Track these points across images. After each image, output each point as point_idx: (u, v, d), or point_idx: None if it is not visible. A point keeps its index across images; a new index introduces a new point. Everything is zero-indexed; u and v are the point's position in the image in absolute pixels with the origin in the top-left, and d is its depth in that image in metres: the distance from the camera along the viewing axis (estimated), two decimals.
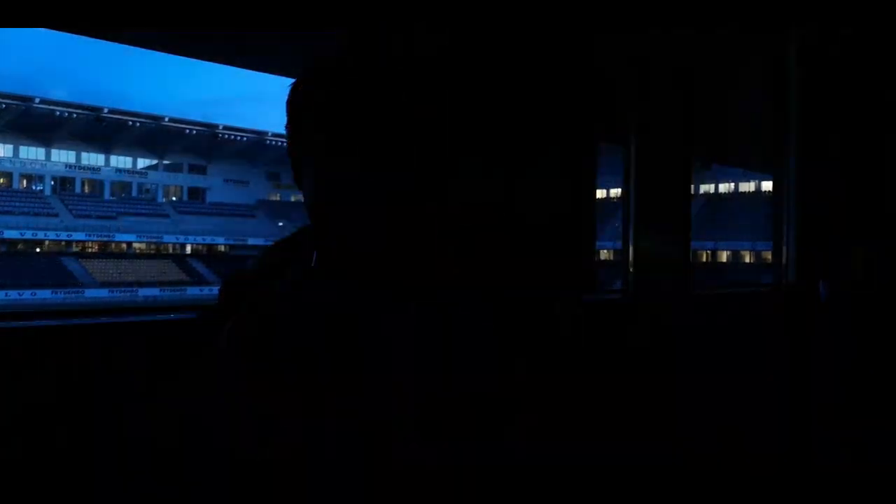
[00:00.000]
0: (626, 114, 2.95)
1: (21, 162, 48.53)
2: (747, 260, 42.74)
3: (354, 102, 0.94)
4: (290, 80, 0.99)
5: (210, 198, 55.39)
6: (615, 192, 37.88)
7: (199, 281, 48.06)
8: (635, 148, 2.81)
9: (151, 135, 50.06)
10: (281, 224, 55.20)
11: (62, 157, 49.93)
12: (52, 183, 49.68)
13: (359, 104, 0.93)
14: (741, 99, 4.23)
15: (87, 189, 51.72)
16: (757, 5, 3.11)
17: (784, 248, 3.48)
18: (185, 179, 55.20)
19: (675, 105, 2.90)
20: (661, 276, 2.72)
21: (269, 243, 1.10)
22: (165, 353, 1.38)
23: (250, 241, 52.45)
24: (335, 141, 0.93)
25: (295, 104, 0.99)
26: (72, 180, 50.76)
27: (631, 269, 2.55)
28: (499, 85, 2.08)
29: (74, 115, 46.20)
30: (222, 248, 52.62)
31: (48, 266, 44.30)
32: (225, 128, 51.87)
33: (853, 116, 3.85)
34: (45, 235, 45.92)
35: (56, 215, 47.37)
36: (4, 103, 43.42)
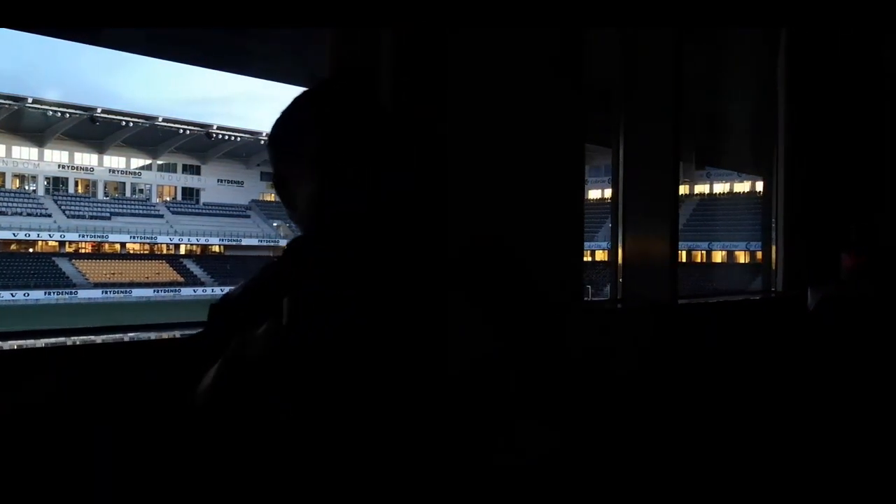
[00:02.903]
0: (615, 116, 2.94)
1: (14, 162, 48.31)
2: (742, 260, 42.82)
3: (353, 115, 0.99)
4: (281, 84, 1.04)
5: (204, 198, 55.26)
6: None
7: (193, 282, 47.94)
8: (623, 152, 2.80)
9: (145, 135, 49.91)
10: (276, 224, 55.09)
11: (55, 157, 49.72)
12: (46, 183, 49.48)
13: (357, 116, 0.99)
14: (732, 102, 4.23)
15: (80, 189, 51.53)
16: (748, 8, 3.10)
17: (773, 255, 3.47)
18: (179, 179, 55.04)
19: (663, 108, 2.89)
20: (649, 284, 2.71)
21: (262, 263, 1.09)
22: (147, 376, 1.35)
23: (244, 242, 52.32)
24: (339, 150, 0.98)
25: (296, 122, 1.02)
26: (65, 180, 50.57)
27: (620, 279, 2.54)
28: (490, 92, 2.06)
29: (68, 115, 46.01)
30: (216, 249, 52.49)
31: (41, 266, 44.12)
32: (219, 128, 51.73)
33: (844, 121, 3.85)
34: (38, 236, 45.73)
35: (49, 215, 47.19)
36: None
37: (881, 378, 2.84)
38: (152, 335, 1.53)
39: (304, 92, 1.05)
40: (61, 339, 1.46)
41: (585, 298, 2.73)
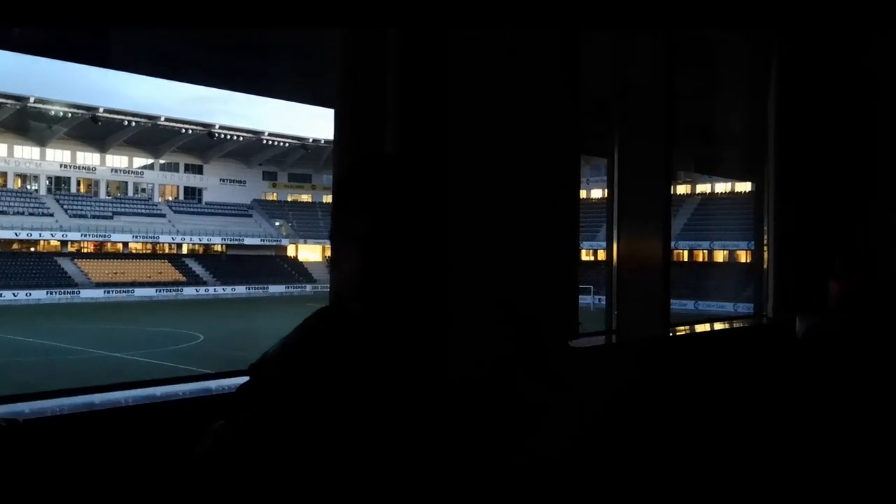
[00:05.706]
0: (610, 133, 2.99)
1: (16, 161, 48.33)
2: (742, 259, 42.68)
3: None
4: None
5: (206, 197, 55.25)
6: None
7: (195, 281, 47.97)
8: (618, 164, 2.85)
9: (147, 134, 49.86)
10: (278, 223, 55.06)
11: (57, 156, 49.72)
12: (48, 182, 49.50)
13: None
14: (725, 114, 4.29)
15: (82, 189, 51.54)
16: (740, 12, 3.15)
17: (764, 280, 3.54)
18: (182, 179, 55.04)
19: (655, 122, 2.94)
20: (642, 314, 2.80)
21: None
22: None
23: (247, 241, 52.32)
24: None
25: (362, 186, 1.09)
26: (67, 180, 50.59)
27: (615, 312, 2.63)
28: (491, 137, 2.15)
29: (70, 115, 45.99)
30: (219, 248, 52.51)
31: (43, 266, 44.15)
32: (221, 127, 51.65)
33: (834, 145, 3.91)
34: (40, 235, 45.75)
35: (51, 215, 47.22)
36: None
37: (864, 410, 2.88)
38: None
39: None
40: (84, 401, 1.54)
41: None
